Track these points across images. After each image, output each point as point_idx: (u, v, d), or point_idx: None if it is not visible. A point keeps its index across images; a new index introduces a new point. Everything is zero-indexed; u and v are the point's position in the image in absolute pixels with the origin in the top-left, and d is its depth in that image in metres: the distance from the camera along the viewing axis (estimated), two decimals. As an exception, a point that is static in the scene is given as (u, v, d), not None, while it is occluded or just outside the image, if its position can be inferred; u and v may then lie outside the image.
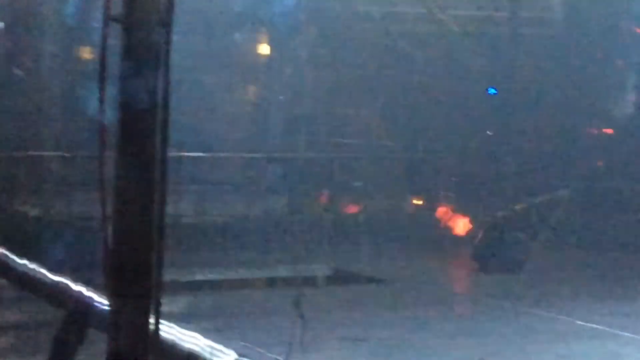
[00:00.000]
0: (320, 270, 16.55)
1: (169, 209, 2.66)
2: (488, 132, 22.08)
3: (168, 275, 2.65)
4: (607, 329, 12.84)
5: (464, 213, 20.43)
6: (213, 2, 19.15)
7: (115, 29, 2.55)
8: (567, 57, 22.34)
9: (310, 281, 15.60)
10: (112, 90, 2.62)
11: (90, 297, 3.32)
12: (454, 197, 21.12)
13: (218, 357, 2.82)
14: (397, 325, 12.76)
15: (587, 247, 19.64)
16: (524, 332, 12.32)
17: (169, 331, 2.65)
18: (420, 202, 22.08)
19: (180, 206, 16.09)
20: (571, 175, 21.14)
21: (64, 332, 3.73)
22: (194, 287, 14.53)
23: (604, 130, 22.86)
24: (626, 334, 12.66)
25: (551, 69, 22.22)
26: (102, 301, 2.61)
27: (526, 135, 21.80)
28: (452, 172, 21.70)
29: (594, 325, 12.93)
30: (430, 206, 21.54)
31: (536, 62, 22.42)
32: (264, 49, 22.25)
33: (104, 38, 2.62)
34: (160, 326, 2.70)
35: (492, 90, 22.12)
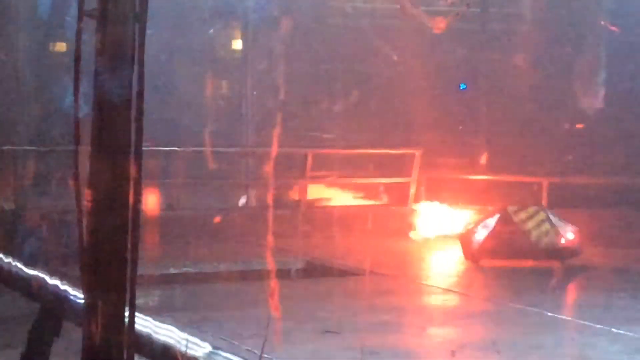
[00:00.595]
0: (295, 261, 16.59)
1: (143, 203, 2.64)
2: (460, 128, 22.15)
3: (142, 269, 2.64)
4: (578, 320, 12.86)
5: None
6: None
7: (90, 24, 2.54)
8: (536, 52, 22.48)
9: (284, 272, 15.63)
10: (87, 85, 2.61)
11: (65, 291, 3.32)
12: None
13: (193, 349, 2.83)
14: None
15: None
16: (495, 323, 12.28)
17: (144, 324, 2.65)
18: (389, 194, 22.34)
19: (154, 200, 16.15)
20: (544, 167, 21.34)
21: (39, 325, 3.73)
22: (168, 280, 14.47)
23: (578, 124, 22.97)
24: (597, 325, 12.67)
25: (518, 64, 22.35)
26: (77, 294, 2.60)
27: (487, 124, 21.97)
28: (427, 158, 21.84)
29: (565, 317, 12.97)
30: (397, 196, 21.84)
31: (504, 56, 22.54)
32: (238, 43, 22.25)
33: (79, 33, 2.61)
34: (136, 319, 2.69)
35: (462, 86, 22.30)
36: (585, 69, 22.26)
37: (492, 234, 16.48)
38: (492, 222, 16.70)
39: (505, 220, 16.69)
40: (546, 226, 16.45)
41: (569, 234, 16.47)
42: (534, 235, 16.35)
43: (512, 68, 22.44)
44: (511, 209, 16.99)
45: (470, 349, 11.33)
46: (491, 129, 22.18)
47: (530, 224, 16.50)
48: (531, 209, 17.05)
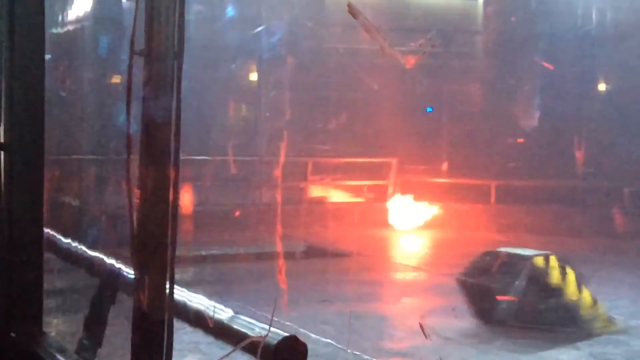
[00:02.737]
0: (299, 246, 16.55)
1: (180, 200, 2.64)
2: (426, 142, 22.22)
3: (179, 251, 2.66)
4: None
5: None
6: (214, 40, 19.10)
7: (139, 61, 2.54)
8: (487, 81, 22.65)
9: (290, 255, 15.62)
10: (136, 108, 2.60)
11: (119, 268, 3.30)
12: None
13: (219, 314, 2.82)
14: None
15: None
16: (454, 294, 12.16)
17: (181, 294, 2.64)
18: (372, 194, 22.47)
19: (189, 198, 16.27)
20: (492, 172, 21.46)
21: (99, 295, 3.72)
22: (199, 260, 14.44)
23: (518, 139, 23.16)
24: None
25: (474, 89, 22.52)
26: (129, 271, 2.59)
27: (449, 140, 22.17)
28: (401, 167, 22.11)
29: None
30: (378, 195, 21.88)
31: (465, 84, 22.70)
32: (254, 76, 22.37)
33: (130, 68, 2.62)
34: (175, 290, 2.68)
35: (429, 109, 22.40)
36: (523, 96, 22.41)
37: None
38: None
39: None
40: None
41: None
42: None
43: (467, 95, 22.65)
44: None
45: (435, 314, 11.30)
46: (451, 142, 22.32)
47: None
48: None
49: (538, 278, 10.48)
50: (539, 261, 10.60)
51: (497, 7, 22.76)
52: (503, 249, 11.11)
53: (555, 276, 10.50)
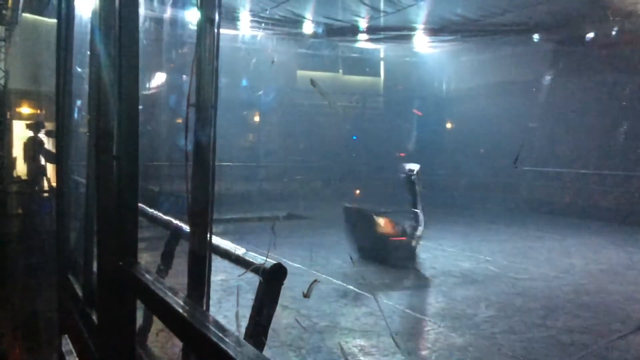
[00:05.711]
0: (282, 213, 17.09)
1: (215, 187, 2.78)
2: (353, 155, 23.77)
3: (215, 216, 2.77)
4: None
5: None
6: (235, 97, 20.07)
7: (192, 109, 2.66)
8: (385, 122, 24.48)
9: (277, 218, 16.20)
10: (191, 135, 2.73)
11: (182, 226, 3.49)
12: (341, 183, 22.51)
13: (237, 251, 2.95)
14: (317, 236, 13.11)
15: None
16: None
17: (215, 240, 2.62)
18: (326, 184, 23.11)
19: (219, 186, 17.07)
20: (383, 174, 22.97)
21: (170, 241, 3.97)
22: (226, 221, 14.72)
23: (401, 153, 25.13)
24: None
25: (378, 127, 24.00)
26: (187, 227, 2.73)
27: (365, 154, 23.25)
28: (338, 169, 23.02)
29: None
30: (335, 185, 22.70)
31: (373, 124, 24.21)
32: (257, 118, 23.75)
33: (187, 113, 2.69)
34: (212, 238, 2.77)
35: (354, 137, 24.45)
36: (405, 130, 24.12)
37: None
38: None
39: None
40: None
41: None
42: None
43: (375, 128, 24.37)
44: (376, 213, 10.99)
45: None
46: (366, 158, 23.55)
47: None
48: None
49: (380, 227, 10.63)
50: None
51: (391, 82, 25.21)
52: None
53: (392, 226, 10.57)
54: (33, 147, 13.96)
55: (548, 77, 20.00)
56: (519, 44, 19.04)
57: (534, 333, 6.95)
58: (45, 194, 13.32)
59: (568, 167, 19.32)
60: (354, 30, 18.43)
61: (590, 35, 17.33)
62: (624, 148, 18.02)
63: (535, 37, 18.38)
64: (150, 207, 4.09)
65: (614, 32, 16.48)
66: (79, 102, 6.16)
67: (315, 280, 9.01)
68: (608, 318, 7.60)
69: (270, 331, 2.73)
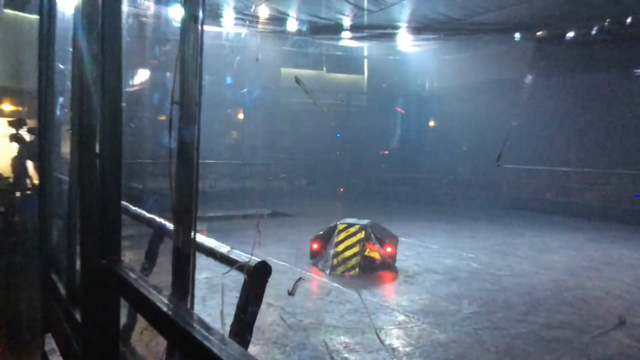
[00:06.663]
0: (267, 210, 17.00)
1: (200, 185, 2.67)
2: (337, 153, 24.09)
3: (198, 214, 2.69)
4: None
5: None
6: (220, 95, 20.03)
7: (176, 107, 2.58)
8: (369, 120, 24.76)
9: (261, 215, 16.12)
10: (175, 133, 2.66)
11: (165, 223, 3.44)
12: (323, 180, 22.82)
13: (221, 248, 2.88)
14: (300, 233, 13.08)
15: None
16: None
17: (199, 238, 2.55)
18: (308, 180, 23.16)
19: (204, 184, 17.15)
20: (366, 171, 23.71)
21: (153, 239, 3.91)
22: (209, 219, 14.64)
23: (385, 151, 25.33)
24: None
25: (362, 125, 24.33)
26: (170, 225, 2.67)
27: (348, 152, 23.82)
28: (323, 167, 23.23)
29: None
30: (319, 183, 22.82)
31: (357, 122, 24.56)
32: (241, 116, 23.71)
33: (171, 110, 2.65)
34: (195, 235, 2.67)
35: (338, 135, 24.79)
36: (389, 128, 24.65)
37: (317, 245, 10.42)
38: (323, 234, 10.49)
39: (329, 234, 10.23)
40: (358, 247, 9.78)
41: (385, 250, 10.02)
42: (345, 253, 9.83)
43: (359, 126, 24.78)
44: (341, 225, 10.05)
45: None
46: (350, 155, 23.98)
47: (343, 243, 9.89)
48: (354, 228, 9.96)
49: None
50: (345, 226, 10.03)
51: (374, 80, 25.56)
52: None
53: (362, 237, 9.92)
54: (18, 145, 13.75)
55: (530, 76, 20.17)
56: (501, 42, 19.19)
57: (517, 329, 7.00)
58: (28, 192, 13.15)
59: (549, 164, 19.51)
60: (337, 28, 18.47)
61: (570, 34, 17.50)
62: (604, 146, 18.24)
63: (517, 36, 18.53)
64: (134, 205, 4.02)
65: (593, 32, 16.66)
66: (61, 99, 6.08)
67: (300, 278, 9.02)
68: (589, 314, 7.68)
69: (255, 329, 2.72)
